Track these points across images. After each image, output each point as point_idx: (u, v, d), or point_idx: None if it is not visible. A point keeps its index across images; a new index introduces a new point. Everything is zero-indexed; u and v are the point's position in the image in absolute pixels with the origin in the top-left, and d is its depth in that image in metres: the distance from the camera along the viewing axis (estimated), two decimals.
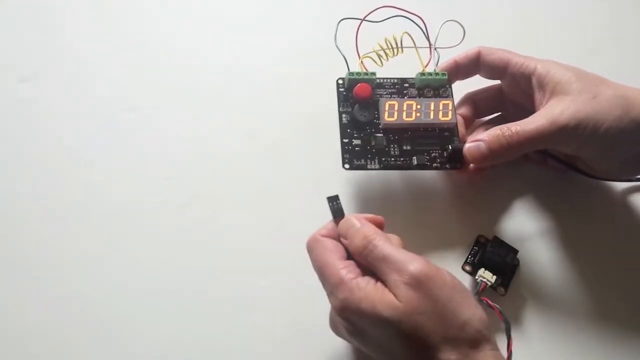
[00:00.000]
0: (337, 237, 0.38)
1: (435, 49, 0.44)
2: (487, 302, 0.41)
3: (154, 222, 0.46)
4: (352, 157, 0.43)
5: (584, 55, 0.51)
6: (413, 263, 0.34)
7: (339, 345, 0.42)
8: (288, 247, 0.45)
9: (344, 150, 0.43)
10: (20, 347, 0.43)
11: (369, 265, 0.35)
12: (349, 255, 0.37)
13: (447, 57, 0.45)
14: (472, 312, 0.33)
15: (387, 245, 0.35)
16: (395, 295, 0.33)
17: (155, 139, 0.49)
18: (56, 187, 0.47)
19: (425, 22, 0.44)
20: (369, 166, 0.43)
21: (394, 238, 0.38)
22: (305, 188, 0.47)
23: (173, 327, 0.43)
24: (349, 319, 0.35)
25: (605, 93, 0.40)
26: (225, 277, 0.45)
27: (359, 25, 0.43)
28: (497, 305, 0.41)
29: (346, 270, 0.35)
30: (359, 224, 0.37)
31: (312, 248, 0.37)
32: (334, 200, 0.38)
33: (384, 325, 0.33)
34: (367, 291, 0.34)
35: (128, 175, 0.48)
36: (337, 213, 0.38)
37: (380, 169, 0.43)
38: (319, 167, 0.48)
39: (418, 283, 0.33)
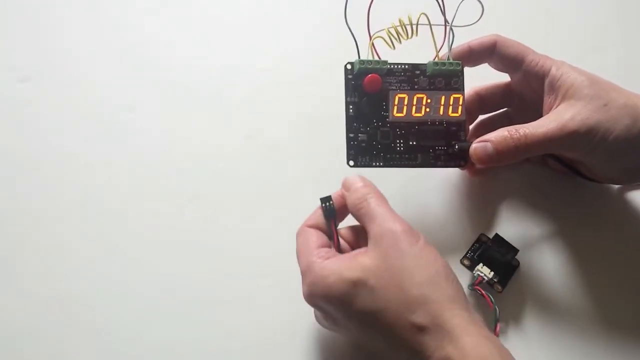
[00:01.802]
0: (323, 228, 0.39)
1: (451, 27, 0.42)
2: (479, 290, 0.42)
3: (153, 222, 0.46)
4: (357, 154, 0.42)
5: (583, 55, 0.51)
6: (395, 223, 0.35)
7: (342, 344, 0.42)
8: (288, 246, 0.45)
9: (349, 146, 0.42)
10: (19, 347, 0.43)
11: (359, 219, 0.37)
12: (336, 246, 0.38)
13: (463, 36, 0.43)
14: (437, 270, 0.34)
15: (380, 204, 0.37)
16: (368, 253, 0.35)
17: (155, 139, 0.49)
18: (55, 186, 0.47)
19: None
20: (373, 164, 0.43)
21: None
22: (305, 188, 0.47)
23: (173, 328, 0.43)
24: (317, 304, 0.36)
25: (616, 101, 0.39)
26: (226, 277, 0.45)
27: (371, 2, 0.40)
28: (488, 294, 0.42)
29: (317, 256, 0.36)
30: (362, 182, 0.38)
31: (296, 238, 0.39)
32: (326, 201, 0.40)
33: (352, 290, 0.33)
34: (336, 266, 0.35)
35: (128, 175, 0.48)
36: (329, 214, 0.39)
37: (384, 166, 0.43)
38: (319, 167, 0.48)
39: (388, 241, 0.34)
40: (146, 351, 0.43)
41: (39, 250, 0.45)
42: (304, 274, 0.36)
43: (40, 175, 0.48)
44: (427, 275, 0.33)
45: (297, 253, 0.38)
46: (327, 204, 0.39)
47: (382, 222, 0.35)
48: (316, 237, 0.38)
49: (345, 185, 0.39)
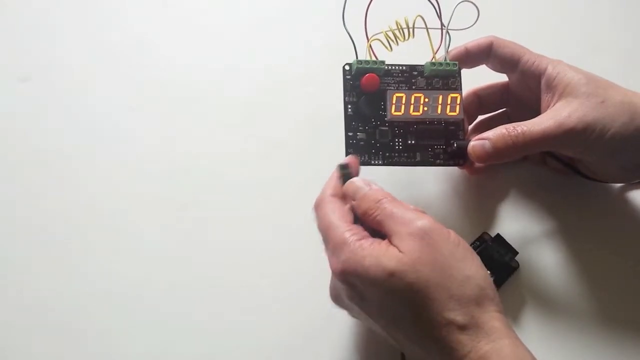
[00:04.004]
0: (343, 198, 0.38)
1: (448, 31, 0.42)
2: None
3: (153, 222, 0.46)
4: (356, 152, 0.42)
5: (583, 55, 0.51)
6: (421, 219, 0.34)
7: (342, 344, 0.42)
8: (289, 247, 0.45)
9: (347, 145, 0.43)
10: (20, 348, 0.43)
11: (376, 225, 0.36)
12: (356, 220, 0.37)
13: (459, 39, 0.43)
14: (476, 269, 0.34)
15: (397, 204, 0.36)
16: (398, 248, 0.33)
17: (155, 139, 0.49)
18: (54, 187, 0.47)
19: (439, 1, 0.42)
20: (372, 162, 0.43)
21: None
22: (306, 188, 0.47)
23: (173, 330, 0.43)
24: (349, 281, 0.34)
25: (613, 98, 0.40)
26: (226, 278, 0.45)
27: (369, 4, 0.41)
28: None
29: (351, 233, 0.35)
30: (367, 187, 0.37)
31: (319, 207, 0.38)
32: (345, 169, 0.39)
33: (388, 279, 0.33)
34: (371, 249, 0.34)
35: (128, 175, 0.48)
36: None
37: (383, 164, 0.43)
38: (320, 168, 0.47)
39: (422, 234, 0.33)
40: (145, 353, 0.43)
41: (35, 251, 0.45)
42: (336, 247, 0.35)
43: (38, 175, 0.48)
44: (467, 274, 0.33)
45: (324, 225, 0.37)
46: (346, 171, 0.39)
47: (409, 221, 0.34)
48: (341, 209, 0.37)
49: (349, 193, 0.38)
